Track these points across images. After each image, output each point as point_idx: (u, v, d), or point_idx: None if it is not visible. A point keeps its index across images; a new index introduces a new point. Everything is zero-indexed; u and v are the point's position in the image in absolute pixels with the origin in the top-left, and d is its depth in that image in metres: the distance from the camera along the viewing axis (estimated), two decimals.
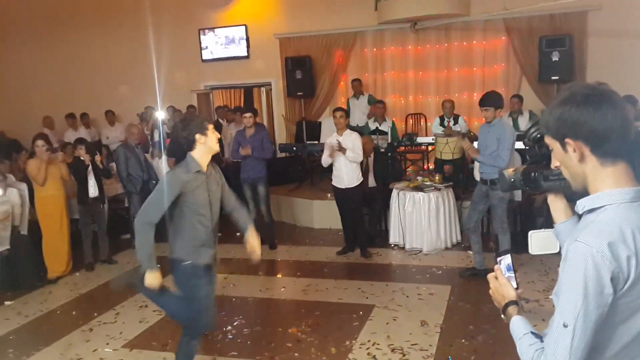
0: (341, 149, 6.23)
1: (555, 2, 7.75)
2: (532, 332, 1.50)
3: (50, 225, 6.27)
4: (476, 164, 6.30)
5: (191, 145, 3.36)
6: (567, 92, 1.45)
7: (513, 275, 1.66)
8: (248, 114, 7.04)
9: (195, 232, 3.42)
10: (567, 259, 1.40)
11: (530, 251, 1.86)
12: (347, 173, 6.37)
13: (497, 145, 5.21)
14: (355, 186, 6.42)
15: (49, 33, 11.37)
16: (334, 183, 6.54)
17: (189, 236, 3.42)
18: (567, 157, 1.47)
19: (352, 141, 6.36)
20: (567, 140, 1.44)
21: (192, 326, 3.65)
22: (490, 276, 1.70)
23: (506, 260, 1.68)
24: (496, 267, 1.70)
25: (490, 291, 1.70)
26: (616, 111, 1.39)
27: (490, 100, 5.28)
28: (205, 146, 3.38)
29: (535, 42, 8.48)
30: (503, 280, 1.66)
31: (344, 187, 6.42)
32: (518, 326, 1.55)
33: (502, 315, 1.64)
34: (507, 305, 1.63)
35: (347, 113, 6.73)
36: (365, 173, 7.29)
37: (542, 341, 1.45)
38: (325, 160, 6.54)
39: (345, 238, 6.83)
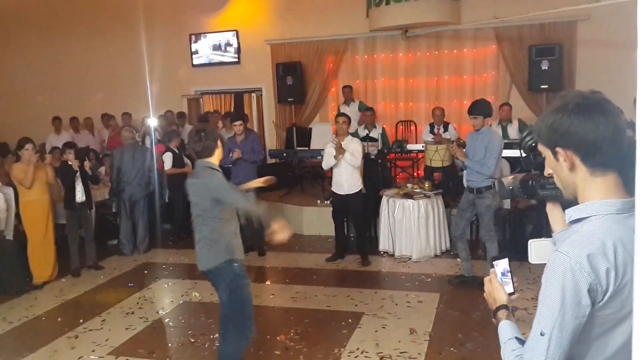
0: (340, 149, 6.15)
1: (545, 11, 7.81)
2: (517, 338, 1.52)
3: (35, 230, 6.19)
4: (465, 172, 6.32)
5: (213, 151, 3.62)
6: (560, 101, 1.44)
7: (510, 280, 1.67)
8: (238, 122, 7.02)
9: (234, 229, 3.65)
10: (547, 269, 1.40)
11: (530, 260, 1.87)
12: (347, 180, 6.32)
13: (484, 153, 5.24)
14: (355, 192, 6.38)
15: (40, 37, 11.30)
16: (333, 189, 6.49)
17: (231, 234, 3.61)
18: (558, 166, 1.47)
19: (354, 147, 6.27)
20: (558, 149, 1.44)
21: (244, 328, 3.66)
22: (486, 279, 1.72)
23: (502, 265, 1.69)
24: (491, 270, 1.71)
25: (485, 294, 1.72)
26: (608, 121, 1.37)
27: (479, 108, 5.30)
28: (218, 154, 3.67)
29: (524, 51, 8.55)
30: (496, 284, 1.68)
31: (343, 193, 6.37)
32: (504, 330, 1.57)
33: (493, 319, 1.66)
34: (497, 309, 1.65)
35: (349, 119, 6.55)
36: None
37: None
38: (327, 163, 6.43)
39: (336, 245, 6.80)
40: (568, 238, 1.40)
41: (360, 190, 6.48)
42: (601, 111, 1.38)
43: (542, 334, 1.37)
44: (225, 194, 3.53)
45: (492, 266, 1.72)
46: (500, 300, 1.65)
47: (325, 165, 6.51)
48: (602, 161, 1.40)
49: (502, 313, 1.62)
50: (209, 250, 3.58)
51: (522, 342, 1.49)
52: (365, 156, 7.45)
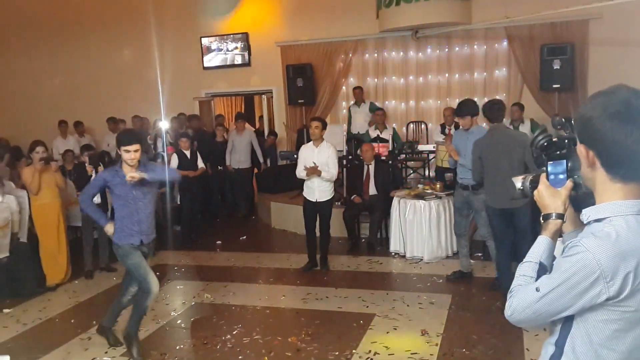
0: (316, 171, 6.08)
1: (557, 10, 7.76)
2: (541, 263, 1.52)
3: (47, 233, 6.24)
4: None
5: (501, 118, 5.21)
6: (606, 97, 1.39)
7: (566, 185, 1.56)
8: (132, 147, 4.20)
9: None
10: (566, 255, 1.41)
11: None
12: (319, 186, 6.22)
13: None
14: (326, 201, 6.29)
15: (52, 41, 11.41)
16: (304, 194, 6.38)
17: None
18: (582, 156, 1.46)
19: (328, 156, 6.18)
20: (582, 146, 1.43)
21: None
22: (542, 176, 1.63)
23: (556, 167, 1.58)
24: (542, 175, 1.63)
25: (535, 195, 1.63)
26: None
27: (467, 108, 5.45)
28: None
29: (536, 51, 8.49)
30: (549, 188, 1.59)
31: (314, 200, 6.28)
32: (536, 248, 1.56)
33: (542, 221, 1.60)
34: (546, 216, 1.58)
35: (324, 124, 6.30)
36: (366, 181, 7.28)
37: (537, 279, 1.49)
38: (300, 174, 6.29)
39: (308, 254, 6.57)
40: (592, 235, 1.38)
41: (332, 198, 6.39)
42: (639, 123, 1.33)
43: (537, 290, 1.43)
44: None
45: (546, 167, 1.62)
46: (552, 207, 1.57)
47: (299, 174, 6.34)
48: (624, 173, 1.38)
49: (552, 224, 1.56)
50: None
51: (543, 268, 1.51)
52: (376, 157, 7.46)
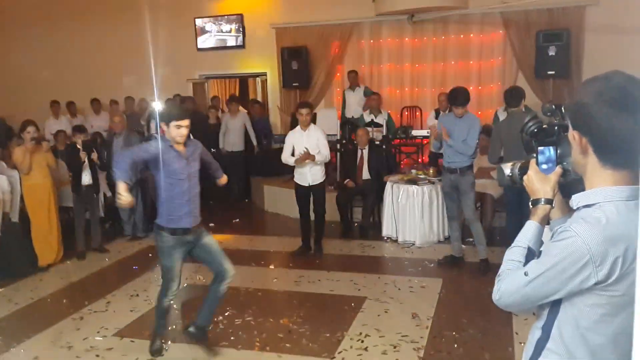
0: (310, 156, 6.03)
1: None
2: (529, 247, 1.53)
3: (38, 213, 6.23)
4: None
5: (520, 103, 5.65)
6: (602, 83, 1.38)
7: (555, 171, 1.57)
8: (184, 123, 3.91)
9: None
10: (555, 240, 1.41)
11: None
12: (310, 170, 6.19)
13: (467, 135, 5.49)
14: (319, 183, 6.28)
15: (45, 21, 11.24)
16: (296, 180, 6.35)
17: None
18: (574, 142, 1.46)
19: (317, 138, 6.15)
20: (575, 132, 1.43)
21: None
22: (531, 162, 1.62)
23: (545, 153, 1.59)
24: (532, 157, 1.62)
25: (525, 180, 1.63)
26: (637, 124, 1.32)
27: (463, 97, 5.54)
28: None
29: (532, 37, 8.46)
30: (538, 174, 1.58)
31: (307, 184, 6.27)
32: (525, 232, 1.57)
33: (531, 206, 1.60)
34: (535, 201, 1.58)
35: (312, 109, 6.42)
36: (360, 165, 7.28)
37: (525, 263, 1.50)
38: (287, 160, 6.23)
39: (302, 238, 6.57)
40: (582, 220, 1.39)
41: (325, 180, 6.37)
42: (635, 111, 1.32)
43: (526, 274, 1.44)
44: None
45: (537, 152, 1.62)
46: (541, 192, 1.57)
47: (286, 160, 6.27)
48: (616, 160, 1.39)
49: (541, 209, 1.56)
50: None
51: (531, 253, 1.52)
52: (370, 141, 7.45)
